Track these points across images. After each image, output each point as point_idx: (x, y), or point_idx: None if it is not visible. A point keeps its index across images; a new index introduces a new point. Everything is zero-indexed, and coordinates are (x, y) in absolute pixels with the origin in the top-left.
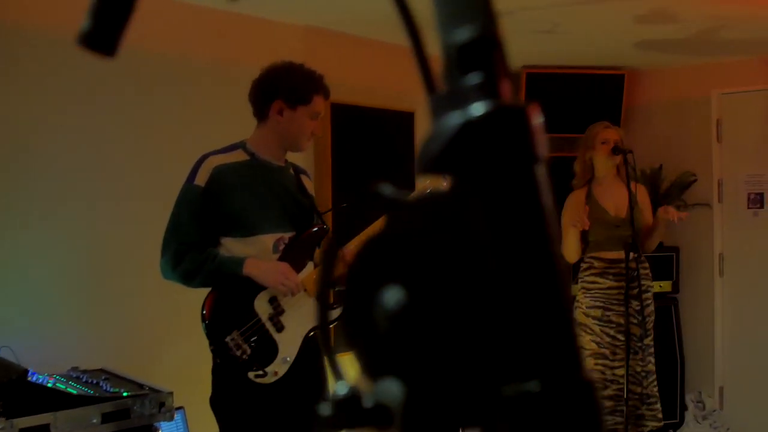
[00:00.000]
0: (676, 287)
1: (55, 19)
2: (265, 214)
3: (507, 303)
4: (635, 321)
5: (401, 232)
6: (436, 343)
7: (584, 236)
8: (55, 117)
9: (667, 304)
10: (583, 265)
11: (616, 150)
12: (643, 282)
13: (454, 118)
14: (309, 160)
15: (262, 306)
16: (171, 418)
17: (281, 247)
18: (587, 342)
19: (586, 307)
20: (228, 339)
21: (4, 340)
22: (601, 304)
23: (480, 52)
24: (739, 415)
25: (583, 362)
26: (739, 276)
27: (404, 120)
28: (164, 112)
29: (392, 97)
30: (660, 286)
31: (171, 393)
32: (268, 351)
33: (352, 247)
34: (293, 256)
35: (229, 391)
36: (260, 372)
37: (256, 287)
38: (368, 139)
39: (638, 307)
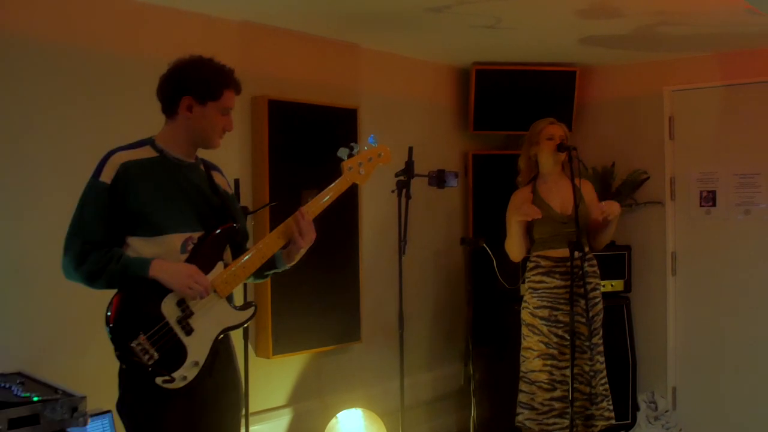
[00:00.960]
0: (628, 286)
1: None
2: (174, 213)
3: None
4: (582, 320)
5: None
6: None
7: (530, 234)
8: None
9: (619, 304)
10: (530, 264)
11: (561, 147)
12: (590, 280)
13: None
14: (245, 159)
15: (169, 308)
16: (84, 424)
17: (189, 247)
18: (535, 342)
19: (534, 308)
20: (134, 344)
21: None
22: (549, 304)
23: None
24: (692, 416)
25: None
26: (692, 275)
27: (347, 117)
28: (86, 110)
29: (334, 93)
30: (612, 285)
31: (84, 397)
32: (176, 355)
33: (308, 207)
34: (202, 256)
35: (136, 397)
36: (168, 377)
37: (164, 289)
38: (308, 136)
39: (585, 306)
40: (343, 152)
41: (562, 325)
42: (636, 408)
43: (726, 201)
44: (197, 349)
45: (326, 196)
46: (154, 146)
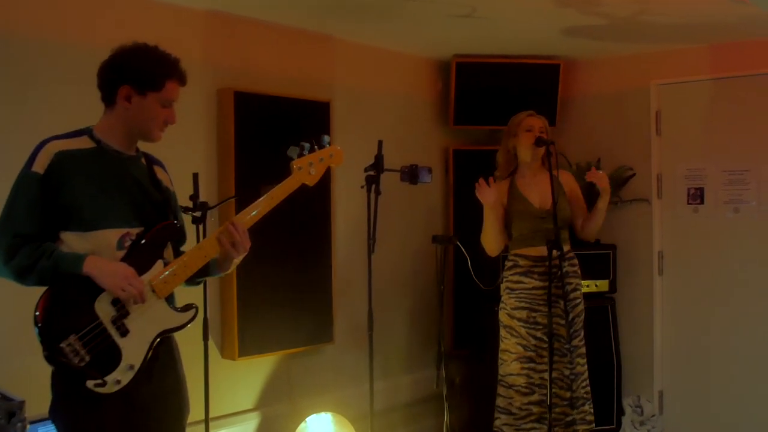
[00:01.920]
0: (613, 286)
1: None
2: (110, 207)
3: None
4: (561, 322)
5: None
6: None
7: (509, 231)
8: None
9: (604, 304)
10: (508, 263)
11: (539, 142)
12: (570, 280)
13: None
14: (211, 153)
15: (103, 308)
16: (23, 430)
17: (127, 244)
18: (513, 345)
19: (511, 309)
20: (64, 344)
21: None
22: (527, 305)
23: None
24: (679, 421)
25: None
26: (679, 275)
27: (318, 110)
28: (34, 101)
29: (305, 86)
30: (596, 285)
31: (22, 402)
32: (110, 357)
33: (241, 217)
34: (140, 254)
35: (69, 402)
36: (99, 381)
37: (99, 287)
38: (278, 130)
39: (565, 308)
40: (293, 151)
41: (540, 327)
42: (621, 412)
43: (714, 198)
44: (133, 351)
45: (270, 198)
46: (91, 136)
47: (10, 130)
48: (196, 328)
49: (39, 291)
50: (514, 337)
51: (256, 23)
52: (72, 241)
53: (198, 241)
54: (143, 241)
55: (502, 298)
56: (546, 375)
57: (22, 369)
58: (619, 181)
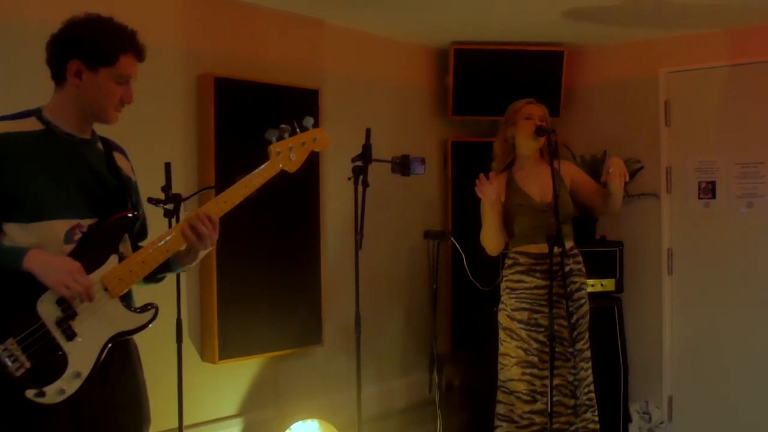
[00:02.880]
0: (620, 286)
1: None
2: (58, 196)
3: None
4: (564, 324)
5: None
6: None
7: (509, 227)
8: None
9: (610, 305)
10: (508, 261)
11: (540, 131)
12: (574, 279)
13: None
14: (191, 141)
15: (47, 308)
16: None
17: (77, 237)
18: (513, 348)
19: (511, 309)
20: (0, 349)
21: None
22: (528, 306)
23: None
24: (689, 428)
25: None
26: (690, 273)
27: (306, 98)
28: None
29: (293, 72)
30: (602, 285)
31: None
32: (53, 364)
33: (205, 207)
34: (91, 248)
35: (7, 413)
36: (37, 391)
37: (41, 285)
38: (261, 118)
39: (569, 309)
40: (271, 134)
41: (542, 329)
42: (628, 419)
43: (727, 193)
44: (80, 357)
45: (244, 186)
46: (40, 118)
47: None
48: (171, 329)
49: None
50: (515, 340)
51: (239, 5)
52: (15, 234)
53: None
54: (95, 234)
55: (502, 299)
56: (548, 381)
57: None
58: None
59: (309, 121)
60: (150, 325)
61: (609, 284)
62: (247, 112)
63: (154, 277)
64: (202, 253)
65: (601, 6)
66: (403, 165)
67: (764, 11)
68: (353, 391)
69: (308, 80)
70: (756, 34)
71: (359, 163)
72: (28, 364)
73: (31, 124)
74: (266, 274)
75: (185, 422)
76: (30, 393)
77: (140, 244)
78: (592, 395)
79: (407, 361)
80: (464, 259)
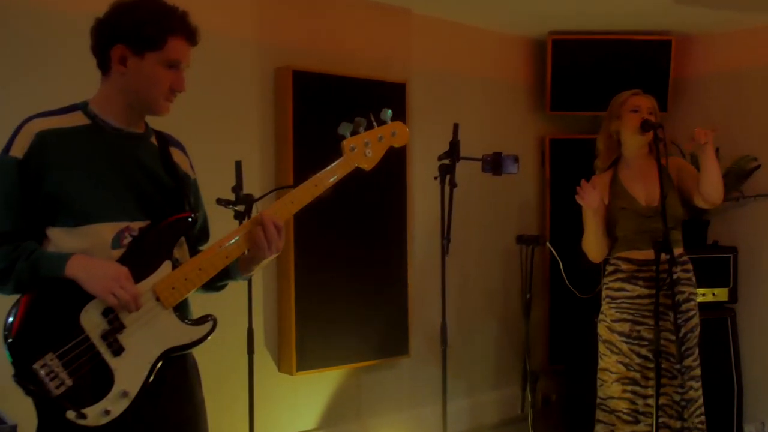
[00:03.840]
0: (733, 295)
1: None
2: (106, 197)
3: None
4: (671, 338)
5: None
6: None
7: (611, 231)
8: None
9: (722, 316)
10: (609, 268)
11: (646, 126)
12: (682, 289)
13: None
14: (267, 139)
15: (92, 319)
16: None
17: (126, 241)
18: (613, 363)
19: (612, 321)
20: (38, 365)
21: None
22: (630, 317)
23: None
24: None
25: None
26: None
27: (392, 93)
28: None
29: (378, 65)
30: (714, 294)
31: (14, 426)
32: (98, 382)
33: (270, 210)
34: (142, 253)
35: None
36: (78, 412)
37: (86, 294)
38: (343, 114)
39: (676, 321)
40: (345, 128)
41: (646, 343)
42: None
43: None
44: (128, 374)
45: (314, 184)
46: (86, 112)
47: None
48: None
49: None
50: (615, 354)
51: None
52: (59, 239)
53: None
54: (146, 238)
55: (602, 309)
56: (652, 401)
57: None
58: (741, 173)
59: (387, 113)
60: (209, 338)
61: (721, 294)
62: (327, 108)
63: (213, 285)
64: (265, 261)
65: None
66: (494, 163)
67: None
68: (440, 405)
69: (394, 73)
70: None
71: (446, 161)
72: (69, 382)
73: (77, 119)
74: (348, 280)
75: None
76: (71, 414)
77: (200, 248)
78: (703, 418)
79: (499, 374)
80: (561, 266)
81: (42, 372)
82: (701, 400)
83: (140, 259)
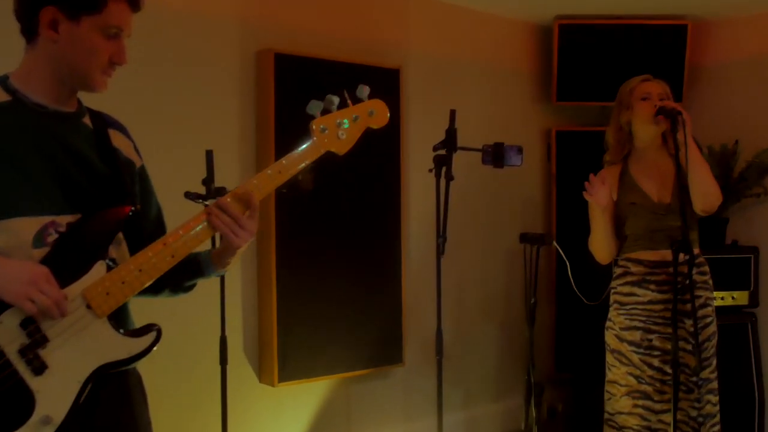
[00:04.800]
0: (754, 299)
1: None
2: (25, 186)
3: None
4: (688, 347)
5: None
6: None
7: (619, 230)
8: None
9: (743, 322)
10: (617, 270)
11: (662, 111)
12: (699, 293)
13: None
14: (247, 127)
15: (7, 331)
16: None
17: (51, 239)
18: (622, 375)
19: (621, 329)
20: None
21: None
22: (641, 325)
23: None
24: None
25: None
26: None
27: (385, 79)
28: None
29: (370, 49)
30: (733, 298)
31: None
32: (15, 407)
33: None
34: (70, 252)
35: None
36: None
37: (3, 303)
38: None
39: (692, 329)
40: (315, 107)
41: (659, 353)
42: None
43: None
44: (52, 397)
45: (278, 170)
46: (5, 86)
47: None
48: (231, 349)
49: None
50: (624, 365)
51: None
52: None
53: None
54: (76, 235)
55: (610, 315)
56: (665, 417)
57: None
58: (764, 167)
59: (364, 90)
60: (152, 351)
61: (741, 297)
62: (313, 95)
63: (180, 284)
64: (238, 253)
65: None
66: (495, 154)
67: None
68: (436, 419)
69: (388, 58)
70: None
71: (442, 152)
72: None
73: None
74: (336, 282)
75: None
76: None
77: None
78: None
79: (500, 386)
80: (569, 268)
81: None
82: (719, 416)
83: (68, 260)
